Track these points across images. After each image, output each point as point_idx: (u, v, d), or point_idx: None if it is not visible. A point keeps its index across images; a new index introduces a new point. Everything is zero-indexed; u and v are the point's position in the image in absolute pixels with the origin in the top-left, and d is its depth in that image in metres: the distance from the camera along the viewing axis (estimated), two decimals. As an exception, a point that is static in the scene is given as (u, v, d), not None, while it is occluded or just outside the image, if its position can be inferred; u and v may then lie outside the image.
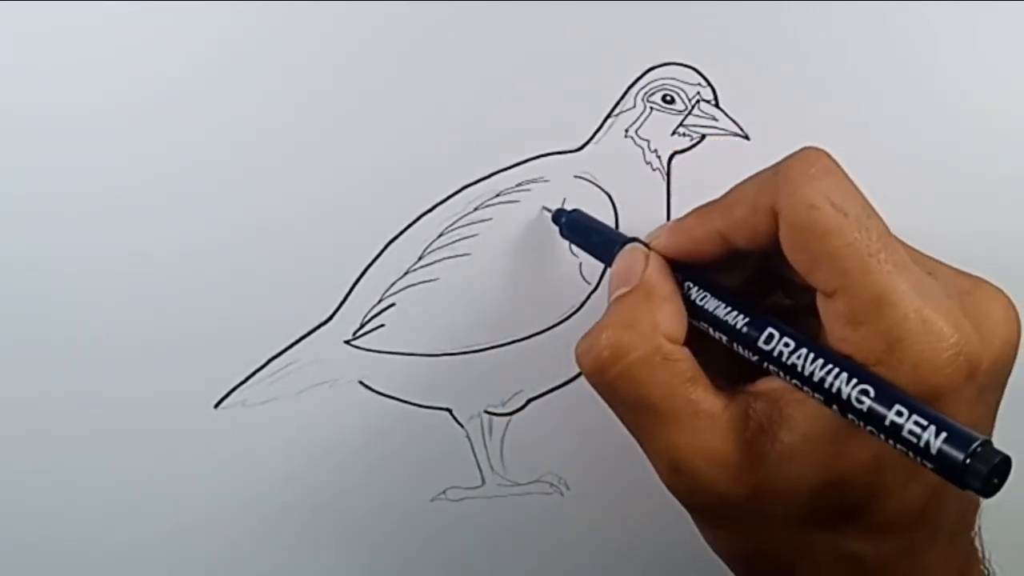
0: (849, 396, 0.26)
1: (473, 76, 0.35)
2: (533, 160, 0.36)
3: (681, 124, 0.36)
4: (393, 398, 0.37)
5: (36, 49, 0.33)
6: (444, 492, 0.38)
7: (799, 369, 0.27)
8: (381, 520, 0.38)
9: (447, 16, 0.35)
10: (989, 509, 0.30)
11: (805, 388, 0.27)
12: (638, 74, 0.36)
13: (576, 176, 0.36)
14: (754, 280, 0.32)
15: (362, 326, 0.36)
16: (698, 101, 0.36)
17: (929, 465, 0.24)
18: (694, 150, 0.37)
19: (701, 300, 0.30)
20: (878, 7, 0.36)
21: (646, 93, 0.36)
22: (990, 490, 0.24)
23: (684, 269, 0.31)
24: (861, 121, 0.37)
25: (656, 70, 0.36)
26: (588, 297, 0.36)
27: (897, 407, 0.25)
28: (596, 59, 0.36)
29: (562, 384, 0.37)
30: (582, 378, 0.37)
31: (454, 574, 0.39)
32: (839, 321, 0.27)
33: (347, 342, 0.36)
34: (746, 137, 0.37)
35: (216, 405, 0.36)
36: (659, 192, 0.37)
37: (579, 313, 0.37)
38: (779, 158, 0.36)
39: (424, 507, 0.38)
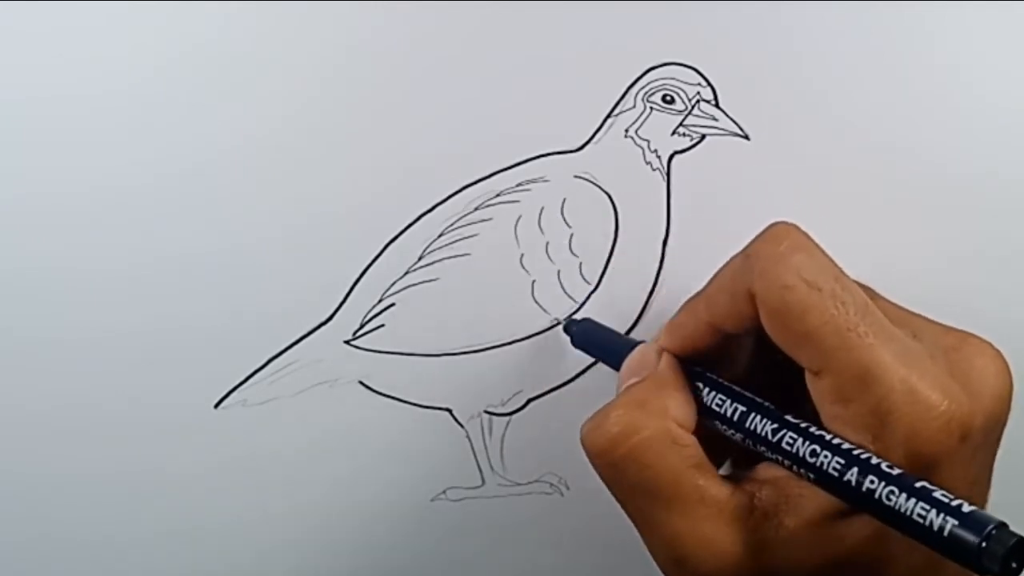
0: (858, 485, 0.26)
1: (473, 76, 0.35)
2: (533, 160, 0.36)
3: (681, 124, 0.36)
4: (393, 398, 0.37)
5: (35, 49, 0.33)
6: (444, 492, 0.38)
7: (808, 461, 0.27)
8: (381, 520, 0.38)
9: (447, 16, 0.35)
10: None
11: (815, 479, 0.27)
12: (638, 74, 0.36)
13: (576, 176, 0.36)
14: (760, 358, 0.31)
15: (362, 326, 0.36)
16: (698, 101, 0.36)
17: (943, 551, 0.24)
18: (694, 150, 0.37)
19: (710, 399, 0.30)
20: (878, 7, 0.36)
21: (646, 93, 0.36)
22: (1009, 573, 0.24)
23: (692, 369, 0.31)
24: (861, 121, 0.37)
25: (656, 70, 0.36)
26: (588, 297, 0.36)
27: (906, 495, 0.25)
28: (596, 59, 0.36)
29: (562, 384, 0.37)
30: (582, 378, 0.37)
31: (454, 574, 0.39)
32: (828, 399, 0.27)
33: (347, 342, 0.36)
34: (746, 137, 0.37)
35: (216, 405, 0.36)
36: (659, 192, 0.37)
37: (579, 313, 0.37)
38: (779, 158, 0.36)
39: (424, 507, 0.38)
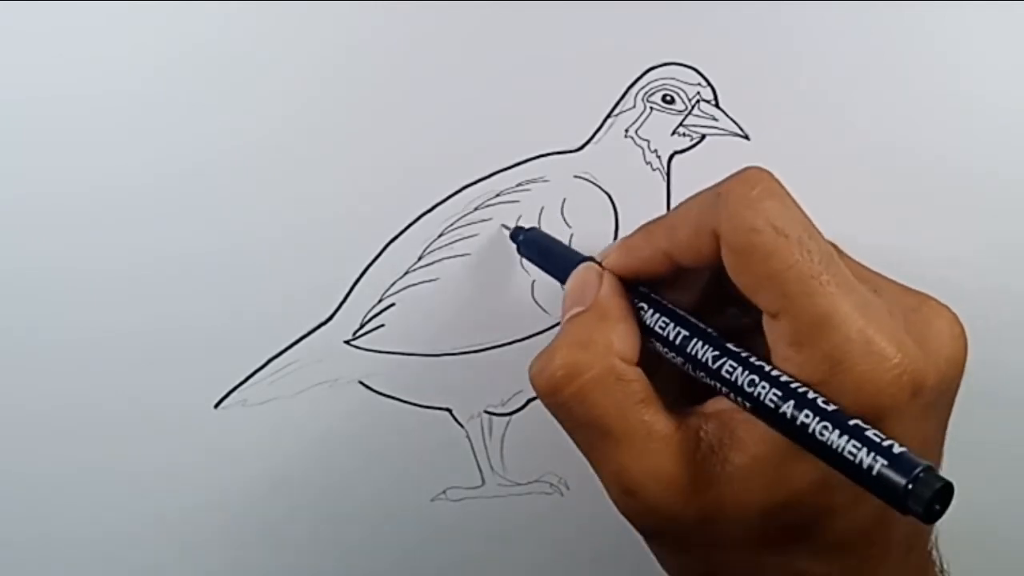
0: (792, 419, 0.26)
1: (473, 76, 0.35)
2: (533, 160, 0.36)
3: (681, 124, 0.36)
4: (393, 398, 0.37)
5: (35, 49, 0.33)
6: (444, 492, 0.38)
7: (746, 390, 0.27)
8: (381, 520, 0.38)
9: (447, 16, 0.35)
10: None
11: (751, 409, 0.27)
12: (638, 74, 0.36)
13: (576, 176, 0.36)
14: (708, 296, 0.32)
15: (362, 326, 0.36)
16: (698, 101, 0.36)
17: (871, 489, 0.24)
18: (694, 150, 0.37)
19: (653, 321, 0.30)
20: (878, 7, 0.36)
21: (646, 93, 0.36)
22: (932, 516, 0.24)
23: (637, 289, 0.31)
24: (861, 121, 0.37)
25: (656, 70, 0.36)
26: (588, 297, 0.36)
27: (839, 431, 0.25)
28: (596, 59, 0.36)
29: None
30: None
31: (454, 574, 0.39)
32: (783, 342, 0.27)
33: (347, 342, 0.36)
34: (746, 137, 0.37)
35: (216, 405, 0.36)
36: (659, 192, 0.37)
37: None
38: (779, 158, 0.36)
39: (424, 507, 0.38)
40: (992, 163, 0.38)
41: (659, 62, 0.36)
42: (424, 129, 0.35)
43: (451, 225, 0.36)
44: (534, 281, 0.36)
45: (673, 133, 0.37)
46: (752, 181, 0.28)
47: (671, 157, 0.37)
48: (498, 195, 0.36)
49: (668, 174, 0.37)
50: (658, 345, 0.30)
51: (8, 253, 0.34)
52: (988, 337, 0.37)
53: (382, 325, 0.36)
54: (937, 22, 0.37)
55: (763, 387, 0.27)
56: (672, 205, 0.37)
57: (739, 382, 0.27)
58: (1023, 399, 0.39)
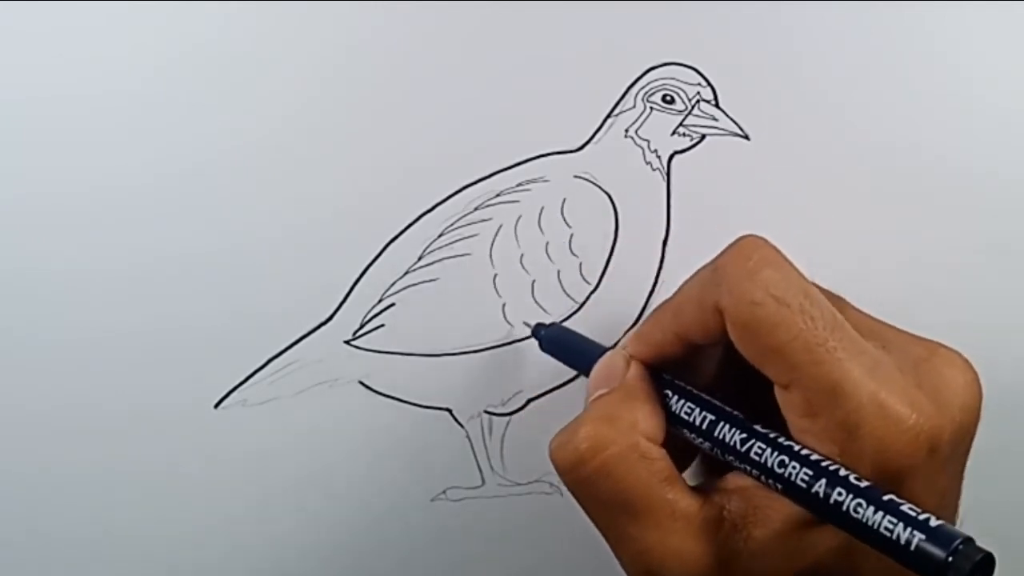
0: (825, 497, 0.26)
1: (473, 76, 0.35)
2: (533, 160, 0.36)
3: (681, 124, 0.36)
4: (393, 398, 0.37)
5: (36, 49, 0.33)
6: (444, 492, 0.38)
7: (776, 472, 0.27)
8: (381, 520, 0.38)
9: (447, 16, 0.35)
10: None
11: (783, 490, 0.27)
12: (638, 74, 0.36)
13: (576, 176, 0.36)
14: (728, 368, 0.31)
15: (362, 326, 0.36)
16: (698, 101, 0.36)
17: (910, 565, 0.24)
18: (694, 150, 0.37)
19: (679, 407, 0.30)
20: (878, 7, 0.36)
21: (646, 93, 0.36)
22: None
23: (661, 376, 0.31)
24: (861, 121, 0.37)
25: (656, 70, 0.36)
26: (588, 297, 0.36)
27: (873, 508, 0.25)
28: (596, 59, 0.36)
29: (562, 384, 0.37)
30: (582, 378, 0.37)
31: (454, 574, 0.39)
32: (796, 412, 0.27)
33: (347, 342, 0.36)
34: (746, 137, 0.37)
35: (216, 405, 0.36)
36: (659, 192, 0.37)
37: (579, 313, 0.37)
38: (779, 158, 0.36)
39: (424, 507, 0.38)
40: (992, 163, 0.38)
41: (659, 62, 0.36)
42: (424, 129, 0.35)
43: (451, 225, 0.36)
44: (534, 281, 0.36)
45: (673, 133, 0.37)
46: (748, 252, 0.28)
47: (671, 157, 0.37)
48: (498, 195, 0.36)
49: (668, 174, 0.37)
50: (685, 431, 0.30)
51: (8, 253, 0.34)
52: (988, 337, 0.37)
53: (382, 325, 0.36)
54: (937, 22, 0.37)
55: (793, 467, 0.27)
56: (672, 205, 0.37)
57: (768, 463, 0.27)
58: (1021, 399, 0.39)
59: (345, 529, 0.38)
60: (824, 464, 0.26)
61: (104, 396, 0.35)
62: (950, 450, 0.27)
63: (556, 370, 0.37)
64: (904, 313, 0.37)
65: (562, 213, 0.36)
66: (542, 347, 0.36)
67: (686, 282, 0.30)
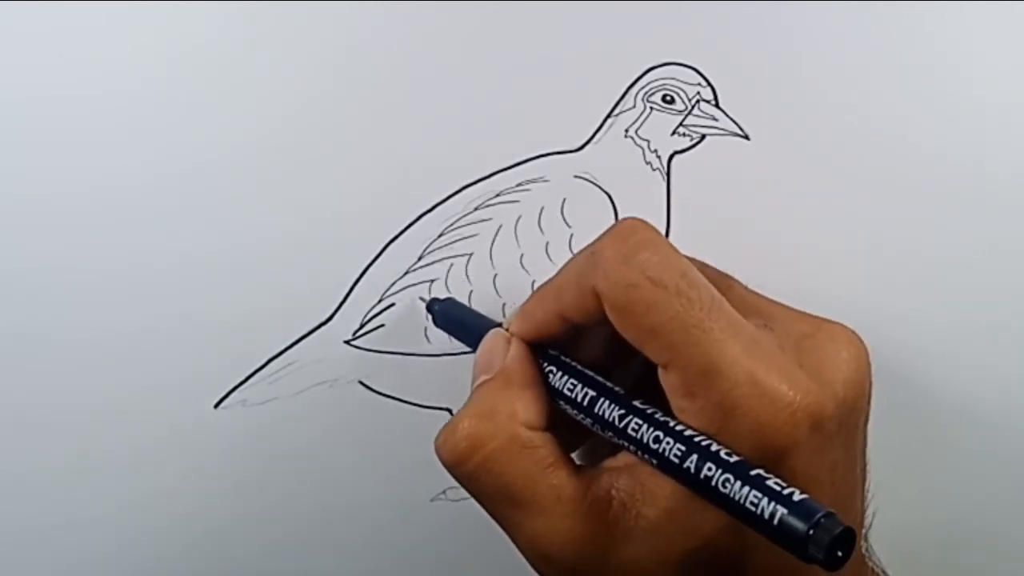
0: (696, 471, 0.26)
1: (473, 76, 0.35)
2: (533, 160, 0.36)
3: (681, 124, 0.36)
4: (393, 398, 0.37)
5: (36, 49, 0.33)
6: (444, 492, 0.38)
7: (651, 447, 0.27)
8: (381, 520, 0.38)
9: (447, 16, 0.35)
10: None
11: (658, 465, 0.27)
12: (638, 74, 0.36)
13: (576, 176, 0.36)
14: (613, 348, 0.31)
15: (362, 326, 0.36)
16: (698, 101, 0.36)
17: (776, 539, 0.25)
18: (694, 150, 0.37)
19: (561, 383, 0.30)
20: (878, 7, 0.36)
21: (646, 93, 0.36)
22: (834, 562, 0.24)
23: (547, 352, 0.31)
24: (861, 121, 0.37)
25: (656, 70, 0.36)
26: (588, 297, 0.36)
27: (740, 482, 0.25)
28: (596, 59, 0.36)
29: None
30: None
31: (454, 574, 0.39)
32: (676, 393, 0.27)
33: (347, 342, 0.36)
34: (746, 137, 0.37)
35: (216, 405, 0.36)
36: (659, 192, 0.37)
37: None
38: (779, 158, 0.36)
39: (424, 507, 0.38)
40: (992, 163, 0.38)
41: (659, 62, 0.36)
42: (424, 129, 0.35)
43: (451, 225, 0.36)
44: (534, 281, 0.36)
45: (673, 133, 0.37)
46: (624, 234, 0.28)
47: (671, 157, 0.37)
48: (498, 195, 0.36)
49: (668, 174, 0.37)
50: (567, 407, 0.30)
51: (8, 253, 0.34)
52: (988, 337, 0.37)
53: (382, 325, 0.36)
54: (937, 22, 0.37)
55: (667, 443, 0.27)
56: (672, 205, 0.37)
57: (644, 439, 0.27)
58: (1022, 400, 0.39)
59: (345, 529, 0.38)
60: (697, 440, 0.26)
61: (104, 396, 0.35)
62: (835, 425, 0.27)
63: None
64: (904, 312, 0.37)
65: (562, 213, 0.36)
66: (435, 322, 0.35)
67: (566, 264, 0.30)
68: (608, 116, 0.36)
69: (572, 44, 0.36)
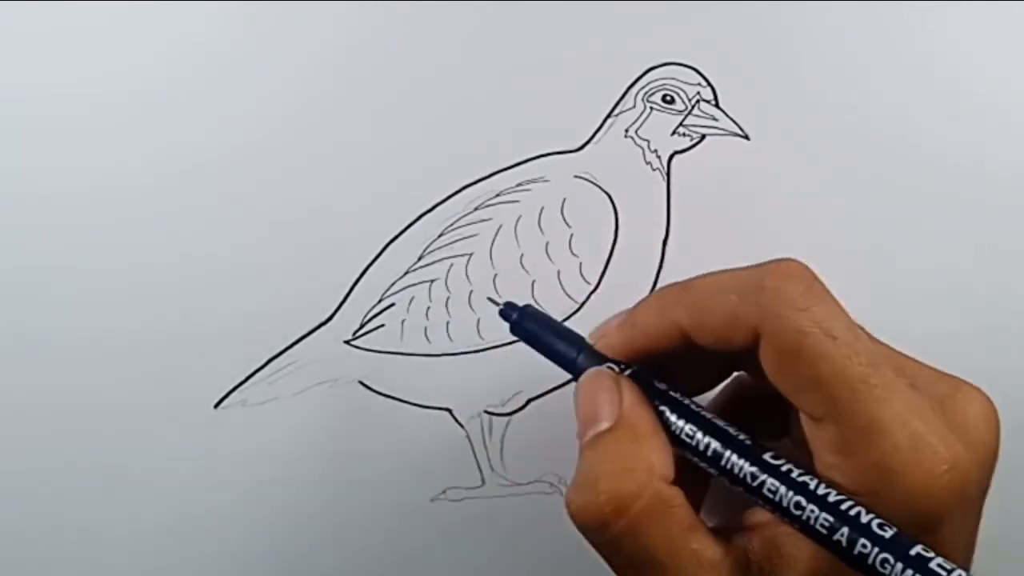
0: (849, 546, 0.25)
1: (473, 76, 0.35)
2: (533, 160, 0.36)
3: (681, 124, 0.36)
4: (393, 398, 0.37)
5: (36, 49, 0.33)
6: (444, 492, 0.38)
7: (793, 513, 0.26)
8: (381, 520, 0.38)
9: (447, 16, 0.35)
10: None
11: (802, 530, 0.26)
12: (638, 74, 0.36)
13: (576, 176, 0.36)
14: (716, 376, 0.30)
15: (362, 326, 0.36)
16: (698, 101, 0.36)
17: None
18: (694, 150, 0.37)
19: (679, 428, 0.28)
20: (878, 7, 0.36)
21: (646, 93, 0.36)
22: None
23: (652, 385, 0.29)
24: (861, 121, 0.37)
25: (656, 70, 0.36)
26: (588, 297, 0.36)
27: (901, 564, 0.24)
28: (596, 59, 0.36)
29: (562, 384, 0.37)
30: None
31: (454, 574, 0.39)
32: (828, 448, 0.26)
33: (347, 342, 0.36)
34: (746, 137, 0.37)
35: (216, 405, 0.36)
36: (659, 192, 0.37)
37: (579, 313, 0.37)
38: (779, 158, 0.36)
39: (424, 507, 0.38)
40: (992, 163, 0.38)
41: (659, 62, 0.36)
42: (424, 129, 0.35)
43: (451, 225, 0.36)
44: (534, 281, 0.36)
45: (673, 133, 0.37)
46: (796, 278, 0.27)
47: (671, 157, 0.37)
48: (498, 195, 0.36)
49: (668, 174, 0.37)
50: (687, 453, 0.28)
51: (8, 253, 0.34)
52: (988, 337, 0.37)
53: (382, 325, 0.36)
54: (937, 22, 0.37)
55: (811, 510, 0.25)
56: (672, 205, 0.37)
57: (785, 503, 0.26)
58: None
59: (345, 529, 0.38)
60: (845, 508, 0.25)
61: (104, 396, 0.35)
62: (976, 490, 0.27)
63: (556, 370, 0.37)
64: (904, 312, 0.37)
65: (562, 213, 0.36)
66: (512, 331, 0.32)
67: (711, 281, 0.28)
68: (608, 116, 0.36)
69: (572, 44, 0.36)
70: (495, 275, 0.36)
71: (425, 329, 0.36)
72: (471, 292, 0.36)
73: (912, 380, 0.28)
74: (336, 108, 0.35)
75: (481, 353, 0.37)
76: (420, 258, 0.36)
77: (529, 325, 0.32)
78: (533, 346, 0.32)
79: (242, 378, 0.36)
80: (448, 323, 0.36)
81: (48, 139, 0.33)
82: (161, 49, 0.33)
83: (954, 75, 0.37)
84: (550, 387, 0.37)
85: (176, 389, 0.35)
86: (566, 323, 0.36)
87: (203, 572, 0.37)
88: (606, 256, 0.37)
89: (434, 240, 0.36)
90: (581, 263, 0.36)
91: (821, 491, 0.26)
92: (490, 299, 0.33)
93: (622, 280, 0.36)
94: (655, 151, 0.37)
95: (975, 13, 0.37)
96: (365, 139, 0.35)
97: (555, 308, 0.36)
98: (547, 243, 0.36)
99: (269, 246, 0.35)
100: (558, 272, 0.36)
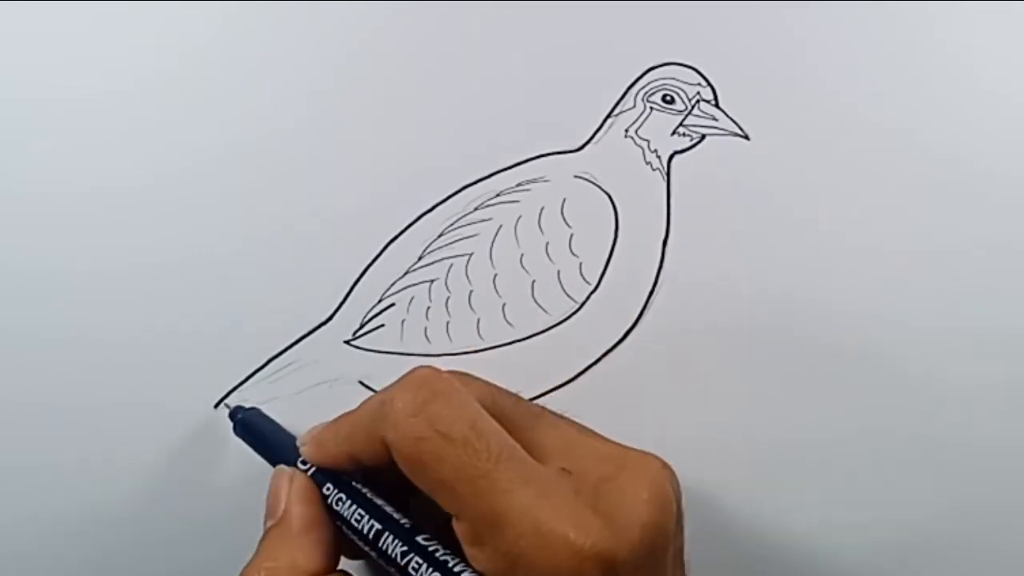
0: None
1: (473, 76, 0.35)
2: (533, 160, 0.36)
3: (681, 124, 0.36)
4: (393, 398, 0.37)
5: (36, 49, 0.33)
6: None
7: None
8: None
9: (447, 16, 0.35)
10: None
11: None
12: (638, 74, 0.36)
13: (576, 176, 0.36)
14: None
15: (362, 326, 0.36)
16: (698, 101, 0.36)
17: None
18: (694, 150, 0.37)
19: (349, 514, 0.30)
20: (878, 7, 0.36)
21: (646, 93, 0.36)
22: None
23: (341, 480, 0.31)
24: (861, 121, 0.37)
25: (656, 70, 0.36)
26: (588, 297, 0.36)
27: None
28: (596, 59, 0.36)
29: (562, 384, 0.37)
30: (582, 378, 0.37)
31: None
32: (466, 541, 0.27)
33: (347, 342, 0.36)
34: (746, 137, 0.37)
35: (216, 405, 0.36)
36: (659, 192, 0.37)
37: (579, 313, 0.37)
38: (779, 158, 0.36)
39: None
40: (993, 163, 0.38)
41: (659, 62, 0.36)
42: (424, 129, 0.35)
43: (451, 225, 0.36)
44: (534, 281, 0.36)
45: (673, 133, 0.37)
46: (414, 385, 0.29)
47: (671, 157, 0.37)
48: (498, 195, 0.36)
49: (668, 174, 0.37)
50: (355, 538, 0.30)
51: (8, 253, 0.34)
52: (989, 338, 0.37)
53: (382, 325, 0.36)
54: (937, 22, 0.37)
55: None
56: (672, 205, 0.37)
57: None
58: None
59: (345, 529, 0.38)
60: None
61: (104, 396, 0.35)
62: (631, 570, 0.27)
63: (556, 370, 0.37)
64: (905, 312, 0.37)
65: (562, 213, 0.36)
66: (235, 431, 0.35)
67: (361, 404, 0.31)
68: (608, 116, 0.36)
69: (572, 44, 0.36)
70: (495, 275, 0.36)
71: (425, 329, 0.36)
72: (471, 292, 0.36)
73: (571, 463, 0.29)
74: (336, 108, 0.35)
75: (481, 353, 0.37)
76: (420, 258, 0.36)
77: (250, 426, 0.35)
78: (255, 449, 0.34)
79: (242, 378, 0.36)
80: (448, 323, 0.36)
81: (48, 139, 0.33)
82: (160, 49, 0.33)
83: (955, 75, 0.37)
84: (550, 387, 0.37)
85: (176, 389, 0.35)
86: (565, 323, 0.37)
87: (202, 571, 0.37)
88: (606, 256, 0.37)
89: (434, 240, 0.36)
90: (581, 263, 0.36)
91: (456, 568, 0.28)
92: (226, 404, 0.35)
93: (622, 280, 0.36)
94: (655, 151, 0.37)
95: (977, 13, 0.37)
96: (365, 139, 0.35)
97: (555, 308, 0.36)
98: (547, 243, 0.36)
99: (269, 246, 0.35)
100: (558, 272, 0.36)
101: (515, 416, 0.30)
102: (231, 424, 0.35)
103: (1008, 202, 0.38)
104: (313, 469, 0.32)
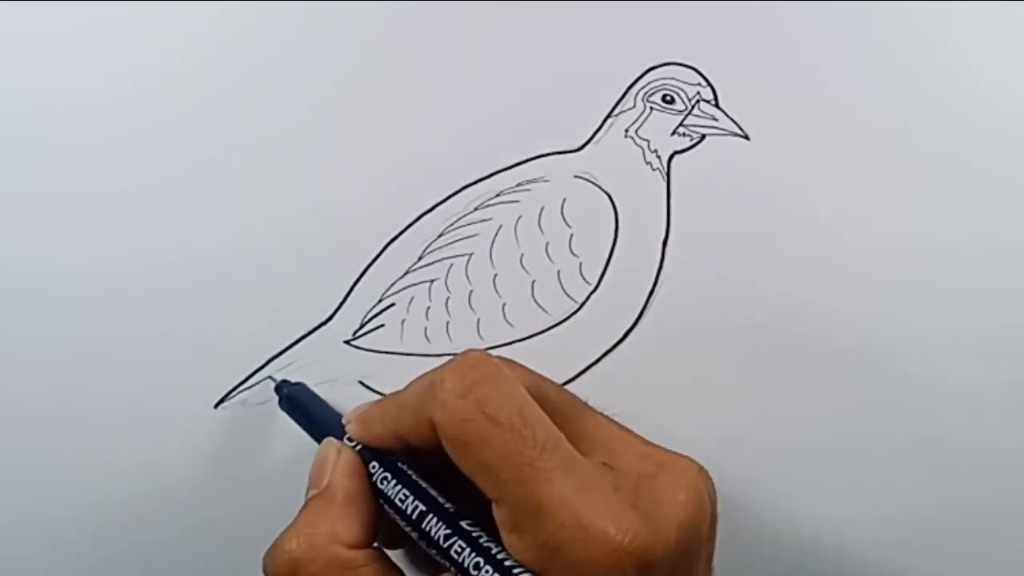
0: None
1: (473, 76, 0.35)
2: (533, 160, 0.36)
3: (681, 124, 0.36)
4: (393, 398, 0.37)
5: (36, 49, 0.33)
6: (444, 492, 0.38)
7: (470, 573, 0.28)
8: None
9: (447, 16, 0.35)
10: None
11: None
12: (638, 74, 0.36)
13: (576, 176, 0.36)
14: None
15: (362, 326, 0.36)
16: (698, 101, 0.36)
17: None
18: (694, 150, 0.37)
19: (394, 493, 0.30)
20: (878, 7, 0.36)
21: (646, 93, 0.36)
22: None
23: (387, 458, 0.31)
24: (861, 121, 0.37)
25: (656, 70, 0.36)
26: (588, 297, 0.36)
27: None
28: (596, 59, 0.36)
29: (562, 384, 0.37)
30: (582, 378, 0.37)
31: (454, 574, 0.39)
32: (505, 527, 0.27)
33: (347, 342, 0.36)
34: (746, 137, 0.37)
35: (216, 405, 0.36)
36: (659, 192, 0.37)
37: (579, 313, 0.37)
38: (779, 158, 0.36)
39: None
40: (993, 162, 0.38)
41: (659, 62, 0.36)
42: (424, 129, 0.35)
43: (451, 225, 0.36)
44: (534, 281, 0.36)
45: (673, 133, 0.37)
46: (464, 368, 0.29)
47: (671, 157, 0.37)
48: (498, 195, 0.36)
49: (668, 174, 0.37)
50: (397, 518, 0.30)
51: (8, 253, 0.34)
52: (989, 338, 0.37)
53: (382, 325, 0.36)
54: (937, 22, 0.37)
55: (487, 571, 0.27)
56: (672, 205, 0.37)
57: (465, 563, 0.28)
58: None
59: (345, 529, 0.38)
60: (517, 572, 0.27)
61: (104, 396, 0.35)
62: (667, 568, 0.27)
63: (556, 370, 0.37)
64: (905, 311, 0.37)
65: (562, 213, 0.36)
66: (280, 405, 0.35)
67: (410, 384, 0.30)
68: (608, 116, 0.36)
69: (572, 44, 0.36)
70: (495, 275, 0.36)
71: (425, 329, 0.36)
72: (471, 292, 0.36)
73: (611, 458, 0.29)
74: (336, 108, 0.35)
75: (481, 353, 0.37)
76: (420, 258, 0.36)
77: (295, 401, 0.35)
78: (300, 424, 0.34)
79: (242, 378, 0.36)
80: (448, 323, 0.36)
81: (48, 139, 0.33)
82: (160, 49, 0.33)
83: (955, 75, 0.37)
84: (550, 387, 0.37)
85: (176, 389, 0.35)
86: (565, 323, 0.37)
87: (202, 570, 0.37)
88: (606, 256, 0.37)
89: (434, 240, 0.36)
90: (581, 263, 0.36)
91: (499, 556, 0.27)
92: (270, 378, 0.35)
93: (622, 280, 0.36)
94: (655, 151, 0.37)
95: (978, 13, 0.37)
96: (365, 139, 0.35)
97: (555, 308, 0.36)
98: (547, 243, 0.36)
99: (269, 246, 0.35)
100: (558, 272, 0.36)
101: (559, 406, 0.30)
102: (276, 398, 0.35)
103: (1008, 202, 0.38)
104: (360, 446, 0.31)
